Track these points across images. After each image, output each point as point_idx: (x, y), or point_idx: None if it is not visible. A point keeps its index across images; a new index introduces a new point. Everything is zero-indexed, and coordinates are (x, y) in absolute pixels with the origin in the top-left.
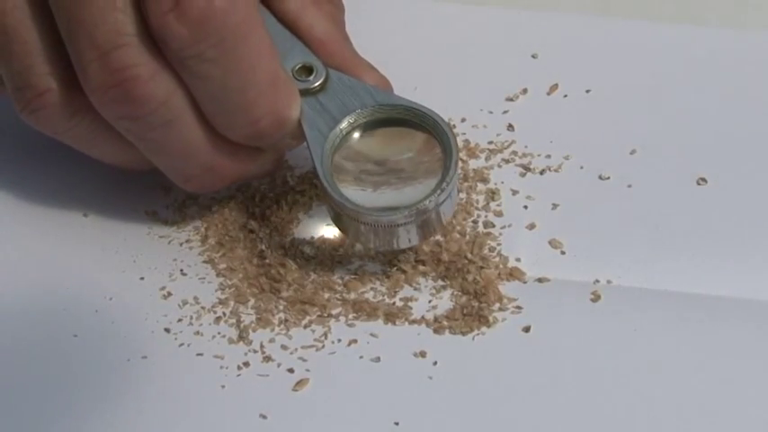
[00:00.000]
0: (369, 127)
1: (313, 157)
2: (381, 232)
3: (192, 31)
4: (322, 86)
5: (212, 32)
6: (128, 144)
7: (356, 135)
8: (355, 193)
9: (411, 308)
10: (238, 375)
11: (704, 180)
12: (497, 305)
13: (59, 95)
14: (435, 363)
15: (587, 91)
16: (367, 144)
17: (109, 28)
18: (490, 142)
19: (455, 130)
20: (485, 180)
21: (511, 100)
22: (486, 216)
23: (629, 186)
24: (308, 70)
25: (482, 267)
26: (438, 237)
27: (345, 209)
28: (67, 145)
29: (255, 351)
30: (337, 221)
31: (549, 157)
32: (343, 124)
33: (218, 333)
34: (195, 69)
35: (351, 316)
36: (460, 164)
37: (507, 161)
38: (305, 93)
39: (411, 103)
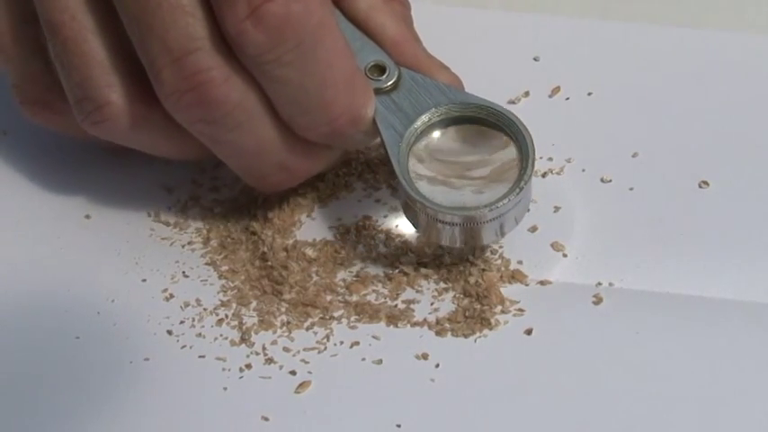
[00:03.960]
0: (444, 125)
1: (390, 156)
2: (469, 232)
3: (270, 37)
4: (395, 85)
5: (290, 37)
6: (190, 143)
7: (432, 133)
8: (430, 191)
9: (413, 310)
10: (240, 377)
11: (706, 183)
12: (499, 308)
13: (119, 108)
14: (437, 365)
15: (589, 94)
16: (443, 142)
17: (180, 33)
18: None
19: None
20: None
21: (513, 102)
22: None
23: (631, 189)
24: (380, 69)
25: (484, 270)
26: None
27: (423, 207)
28: (68, 146)
29: (257, 353)
30: (411, 217)
31: (550, 159)
32: (418, 123)
33: (221, 335)
34: (273, 73)
35: (353, 318)
36: None
37: None
38: (378, 91)
39: (485, 101)
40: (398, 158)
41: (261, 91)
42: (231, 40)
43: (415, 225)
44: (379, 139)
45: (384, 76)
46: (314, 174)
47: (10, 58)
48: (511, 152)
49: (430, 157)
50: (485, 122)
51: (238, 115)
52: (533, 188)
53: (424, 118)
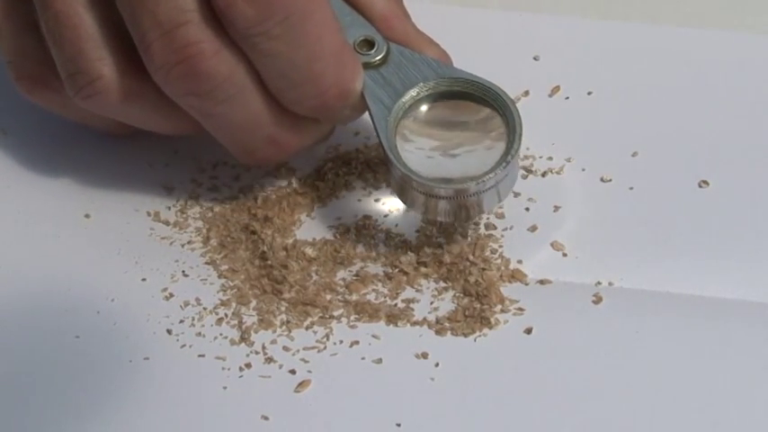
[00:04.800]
0: (432, 99)
1: (377, 129)
2: (457, 206)
3: (259, 10)
4: (383, 60)
5: (278, 10)
6: (181, 117)
7: (419, 107)
8: (417, 165)
9: (413, 309)
10: (240, 377)
11: (706, 182)
12: (499, 307)
13: (111, 81)
14: (437, 364)
15: (589, 93)
16: (431, 116)
17: (170, 6)
18: None
19: None
20: None
21: None
22: (487, 218)
23: (631, 188)
24: (369, 44)
25: (484, 269)
26: (440, 239)
27: (411, 180)
28: (68, 146)
29: (257, 352)
30: (401, 193)
31: (550, 159)
32: (406, 97)
33: (220, 334)
34: (262, 47)
35: (353, 317)
36: None
37: None
38: (366, 66)
39: (473, 76)
40: (386, 133)
41: (250, 64)
42: (220, 14)
43: (404, 201)
44: (370, 120)
45: (373, 51)
46: (303, 148)
47: (2, 34)
48: (498, 126)
49: (418, 130)
50: (473, 97)
51: (228, 88)
52: (537, 188)
53: (413, 92)
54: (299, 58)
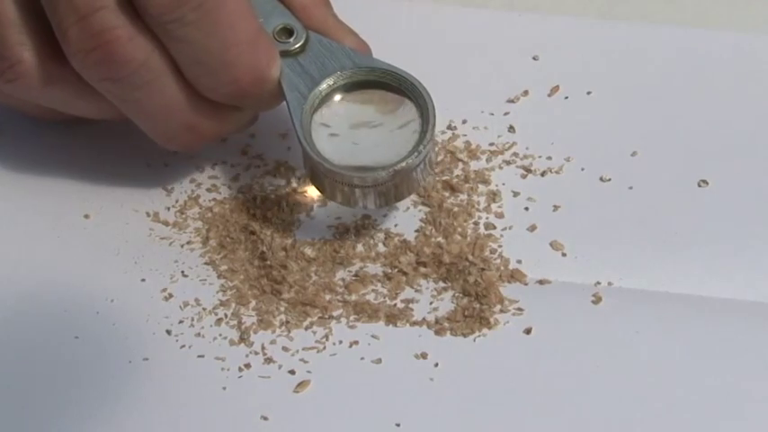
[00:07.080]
0: (348, 89)
1: (292, 117)
2: (358, 192)
3: None
4: (302, 48)
5: None
6: (103, 102)
7: (335, 96)
8: (332, 153)
9: (412, 309)
10: (239, 377)
11: (705, 182)
12: (498, 307)
13: (32, 66)
14: (436, 364)
15: (588, 93)
16: (346, 106)
17: None
18: (491, 144)
19: (456, 132)
20: (486, 182)
21: (512, 102)
22: (487, 218)
23: (631, 188)
24: (288, 32)
25: (483, 269)
26: (439, 239)
27: (323, 168)
28: (67, 146)
29: (257, 353)
30: (314, 180)
31: (550, 158)
32: (323, 86)
33: (220, 335)
34: (176, 33)
35: (352, 317)
36: (461, 165)
37: (508, 163)
38: (285, 54)
39: (390, 66)
40: (301, 120)
41: (166, 51)
42: (135, 0)
43: (318, 188)
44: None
45: (292, 39)
46: (223, 135)
47: None
48: (413, 116)
49: (333, 118)
50: (389, 87)
51: (143, 74)
52: (537, 188)
53: (329, 81)
54: (213, 45)
